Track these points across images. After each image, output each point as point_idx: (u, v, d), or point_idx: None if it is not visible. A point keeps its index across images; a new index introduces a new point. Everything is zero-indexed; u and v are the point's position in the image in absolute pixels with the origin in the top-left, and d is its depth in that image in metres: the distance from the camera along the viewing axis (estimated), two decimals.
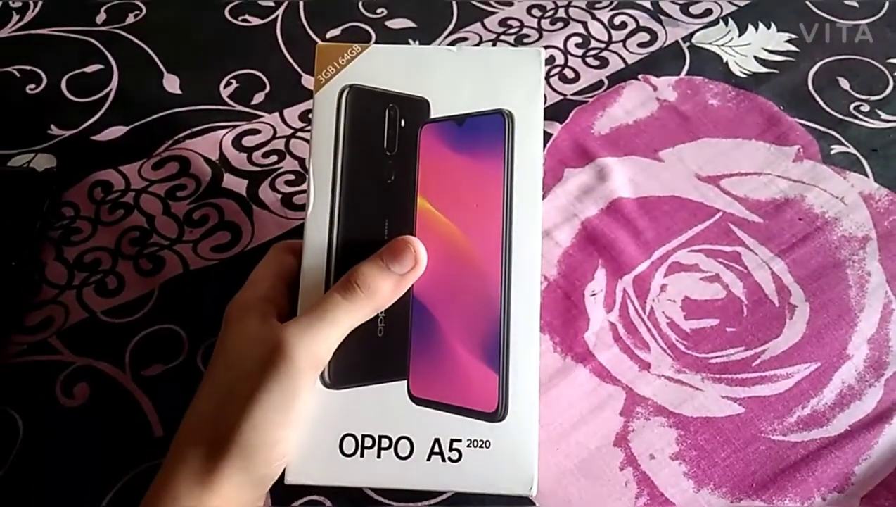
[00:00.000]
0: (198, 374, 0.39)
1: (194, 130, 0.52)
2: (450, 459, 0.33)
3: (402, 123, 0.35)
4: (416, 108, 0.35)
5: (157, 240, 0.47)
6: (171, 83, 0.55)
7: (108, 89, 0.55)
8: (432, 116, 0.35)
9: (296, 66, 0.57)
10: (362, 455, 0.33)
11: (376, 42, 0.58)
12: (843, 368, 0.43)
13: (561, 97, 0.55)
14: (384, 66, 0.36)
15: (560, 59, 0.58)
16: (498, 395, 0.34)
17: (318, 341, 0.31)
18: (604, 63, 0.57)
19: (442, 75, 0.36)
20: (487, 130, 0.35)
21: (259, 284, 0.35)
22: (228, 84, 0.55)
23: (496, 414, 0.33)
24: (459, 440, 0.33)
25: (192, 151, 0.51)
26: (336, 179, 0.35)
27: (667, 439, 0.41)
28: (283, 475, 0.33)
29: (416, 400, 0.34)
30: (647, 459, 0.40)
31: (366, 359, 0.34)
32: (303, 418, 0.32)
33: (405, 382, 0.34)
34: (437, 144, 0.35)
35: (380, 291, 0.33)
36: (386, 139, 0.35)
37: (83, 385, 0.42)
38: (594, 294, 0.46)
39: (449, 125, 0.35)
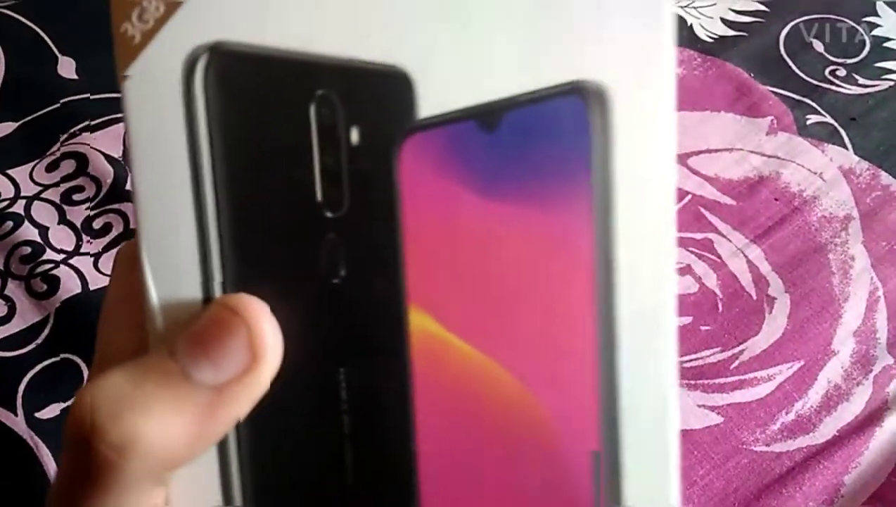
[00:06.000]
0: None
1: (93, 122, 0.45)
2: None
3: (355, 135, 0.15)
4: (381, 93, 0.15)
5: (52, 256, 0.41)
6: (67, 68, 0.48)
7: None
8: (422, 112, 0.15)
9: None
10: None
11: None
12: (829, 365, 0.39)
13: None
14: None
15: None
16: None
17: None
18: None
19: (432, 2, 0.15)
20: (553, 136, 0.15)
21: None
22: None
23: None
24: None
25: (90, 147, 0.44)
26: (210, 288, 0.15)
27: None
28: None
29: None
30: None
31: None
32: None
33: None
34: (441, 180, 0.15)
35: (153, 440, 0.14)
36: (320, 181, 0.15)
37: None
38: None
39: (465, 132, 0.15)
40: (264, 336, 0.15)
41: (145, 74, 0.15)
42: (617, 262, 0.15)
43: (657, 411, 0.15)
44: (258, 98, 0.15)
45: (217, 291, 0.15)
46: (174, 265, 0.15)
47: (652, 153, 0.15)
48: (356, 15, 0.15)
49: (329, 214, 0.15)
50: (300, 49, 0.15)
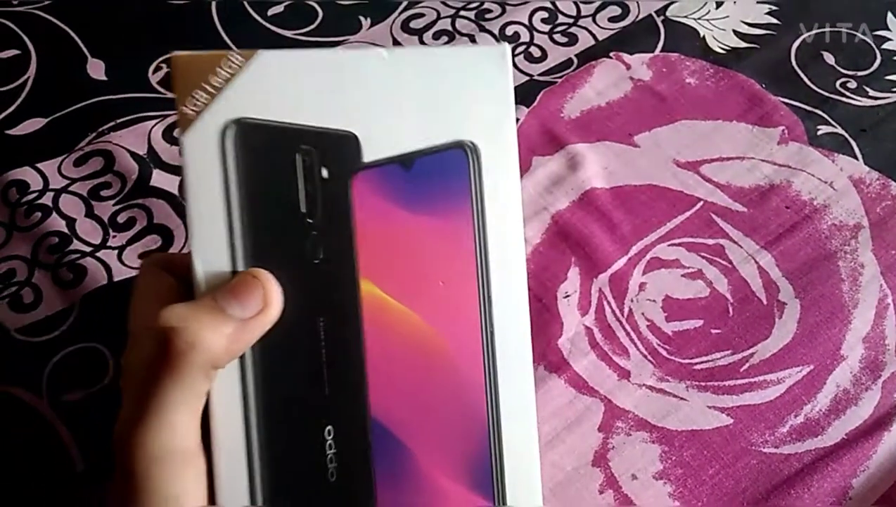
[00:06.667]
0: None
1: (119, 120, 0.47)
2: None
3: (325, 172, 0.25)
4: (340, 148, 0.25)
5: (79, 246, 0.42)
6: (96, 69, 0.50)
7: (25, 77, 0.49)
8: (366, 158, 0.25)
9: (234, 49, 0.51)
10: None
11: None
12: (838, 370, 0.39)
13: (527, 78, 0.51)
14: (284, 85, 0.25)
15: (525, 36, 0.53)
16: None
17: (149, 439, 0.22)
18: (572, 40, 0.53)
19: (371, 95, 0.25)
20: (446, 173, 0.26)
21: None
22: (158, 69, 0.49)
23: None
24: None
25: (116, 145, 0.46)
26: (235, 266, 0.24)
27: (650, 456, 0.37)
28: None
29: None
30: (629, 479, 0.36)
31: None
32: None
33: None
34: (378, 200, 0.25)
35: (207, 343, 0.23)
36: (304, 200, 0.25)
37: None
38: (567, 296, 0.42)
39: (392, 170, 0.25)
40: (272, 292, 0.24)
41: (196, 137, 0.24)
42: (489, 248, 0.26)
43: (519, 341, 0.27)
44: (265, 151, 0.24)
45: (241, 267, 0.24)
46: (211, 251, 0.24)
47: (504, 181, 0.26)
48: (325, 103, 0.25)
49: (310, 221, 0.25)
50: (290, 121, 0.25)
